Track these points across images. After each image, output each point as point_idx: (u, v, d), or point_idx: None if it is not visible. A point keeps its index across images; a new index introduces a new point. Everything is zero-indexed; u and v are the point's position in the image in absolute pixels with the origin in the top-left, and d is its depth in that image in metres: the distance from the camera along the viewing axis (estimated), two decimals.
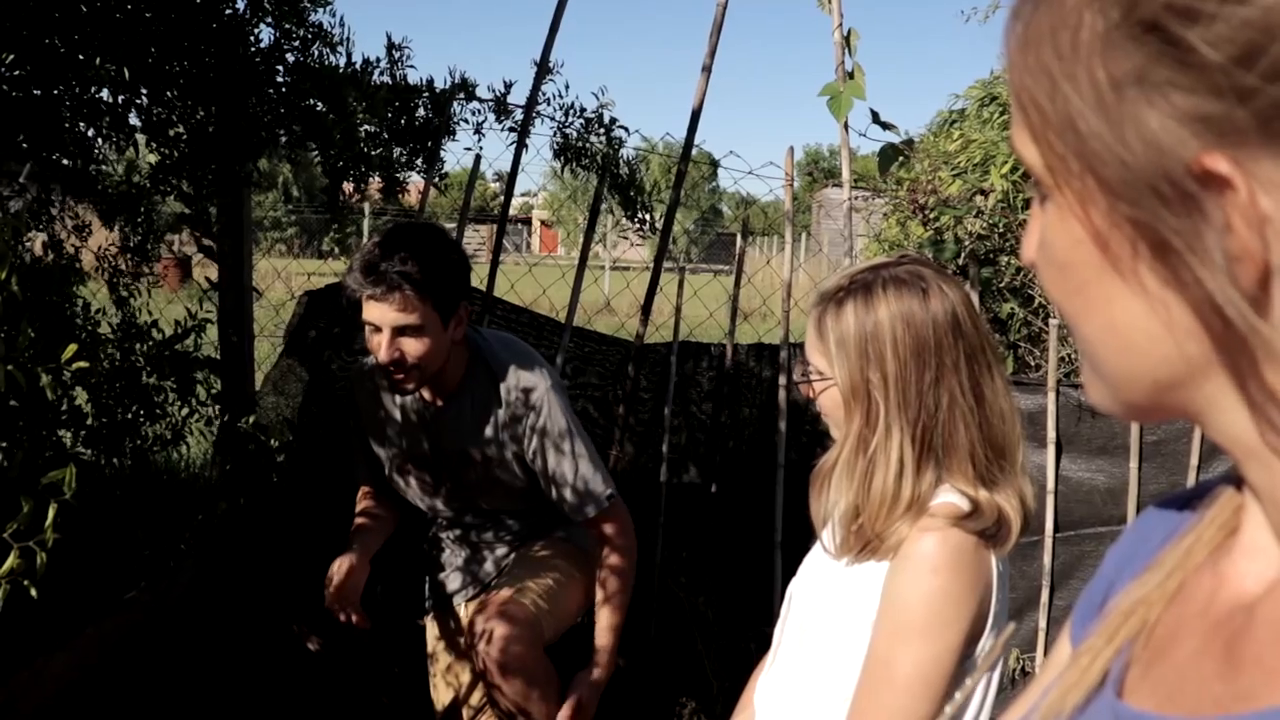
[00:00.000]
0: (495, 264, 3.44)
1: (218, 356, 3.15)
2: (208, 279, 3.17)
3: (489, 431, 2.25)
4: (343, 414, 2.61)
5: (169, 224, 3.04)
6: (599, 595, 2.30)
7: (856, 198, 3.17)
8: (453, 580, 2.49)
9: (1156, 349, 0.49)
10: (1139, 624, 0.59)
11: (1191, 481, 3.06)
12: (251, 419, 2.75)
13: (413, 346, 2.09)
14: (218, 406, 2.92)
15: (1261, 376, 0.46)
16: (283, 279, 3.97)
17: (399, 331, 2.07)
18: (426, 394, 2.27)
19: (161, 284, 3.72)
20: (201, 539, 2.96)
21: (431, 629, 2.57)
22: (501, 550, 2.45)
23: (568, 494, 2.24)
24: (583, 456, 2.24)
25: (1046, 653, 3.14)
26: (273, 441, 2.76)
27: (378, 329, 2.08)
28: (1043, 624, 3.14)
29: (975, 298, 2.75)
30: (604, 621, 2.28)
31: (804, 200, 16.47)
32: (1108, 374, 0.53)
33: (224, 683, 2.87)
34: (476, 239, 21.29)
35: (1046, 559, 3.10)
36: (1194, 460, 3.02)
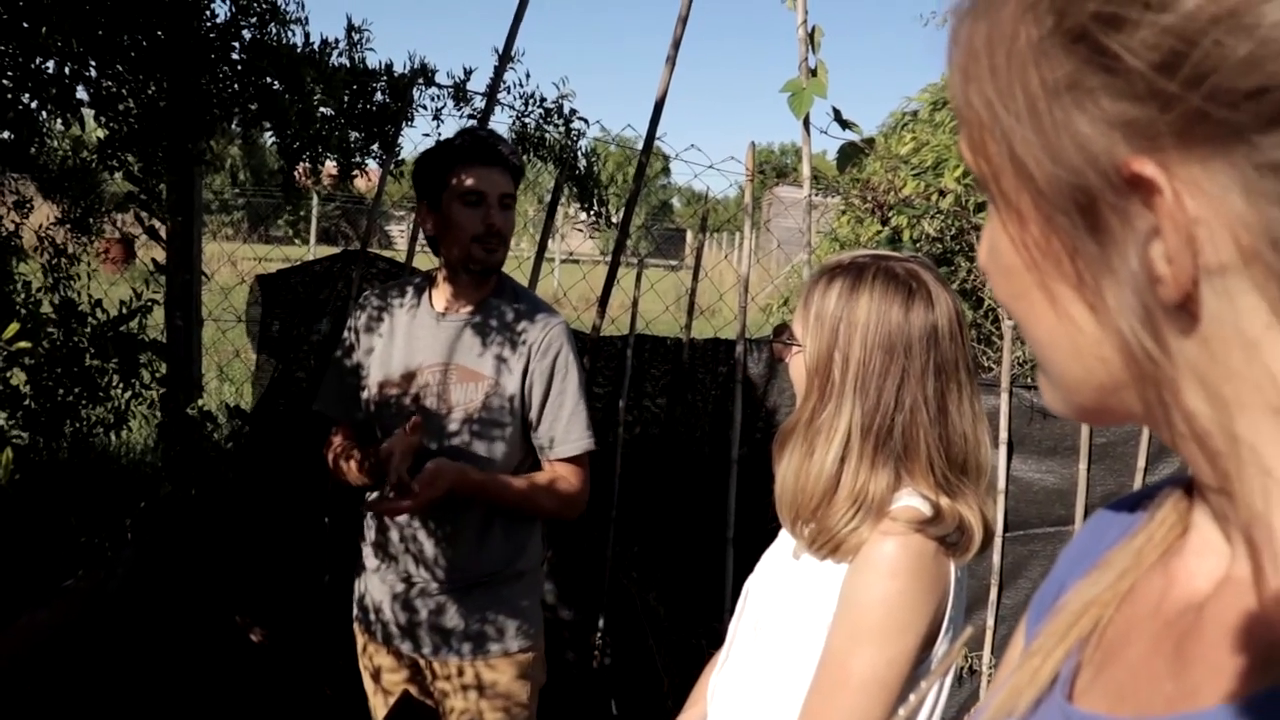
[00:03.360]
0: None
1: (163, 340, 3.07)
2: (154, 260, 3.09)
3: (503, 350, 2.23)
4: (334, 345, 2.58)
5: (116, 202, 2.95)
6: (528, 480, 2.25)
7: (815, 193, 3.17)
8: (383, 607, 2.32)
9: (1099, 351, 0.50)
10: (1090, 624, 0.59)
11: (1139, 483, 3.10)
12: (200, 403, 2.67)
13: (507, 219, 2.24)
14: (161, 390, 2.85)
15: (1171, 383, 0.48)
16: (231, 262, 3.88)
17: (502, 202, 2.21)
18: (453, 299, 2.27)
19: (104, 263, 3.61)
20: (143, 526, 2.89)
21: (361, 648, 2.42)
22: (434, 589, 2.26)
23: (558, 427, 2.24)
24: (580, 399, 2.28)
25: (994, 651, 3.17)
26: (221, 428, 2.68)
27: (478, 200, 2.19)
28: (991, 622, 3.17)
29: None
30: (517, 481, 2.22)
31: (756, 196, 16.52)
32: (1057, 377, 0.55)
33: (164, 674, 2.80)
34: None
35: (995, 558, 3.14)
36: (1141, 462, 3.07)
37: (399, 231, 24.36)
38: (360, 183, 3.49)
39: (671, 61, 3.14)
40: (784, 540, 1.54)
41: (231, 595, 3.04)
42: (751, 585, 1.57)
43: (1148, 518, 0.61)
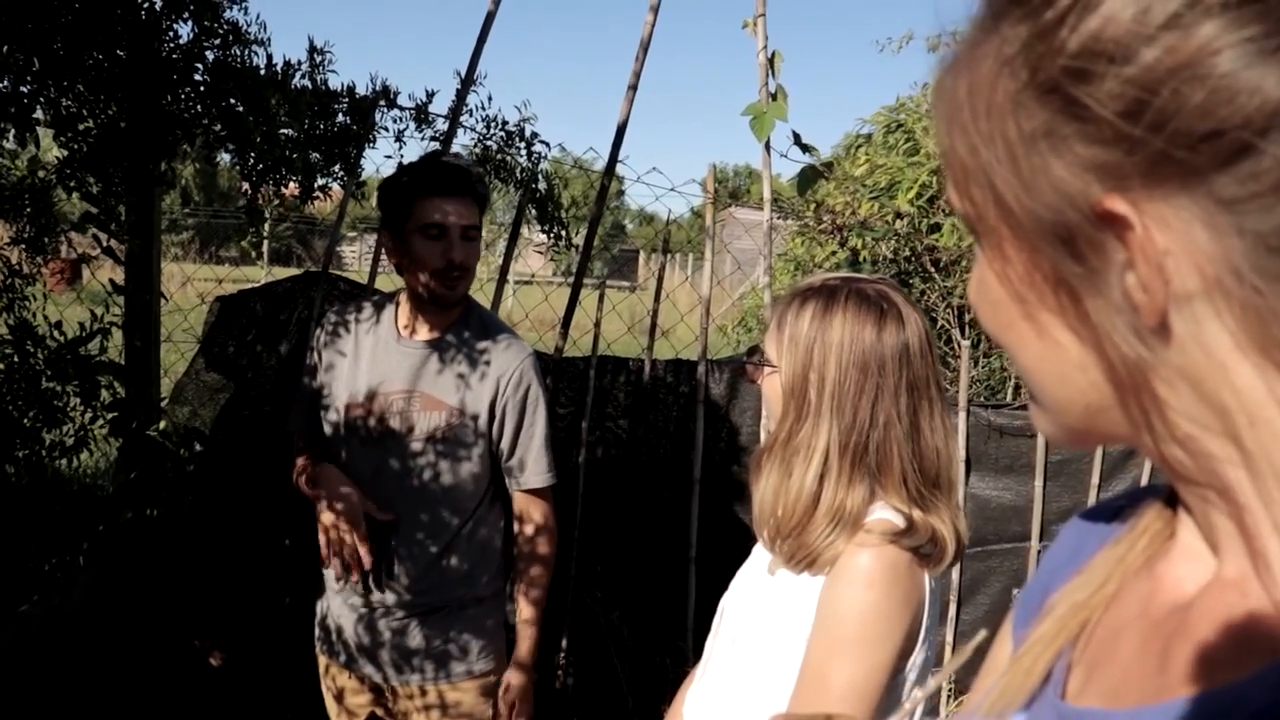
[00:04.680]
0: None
1: (121, 362, 3.04)
2: (111, 281, 3.06)
3: (468, 378, 2.23)
4: (297, 366, 2.61)
5: (72, 223, 2.92)
6: (521, 586, 2.30)
7: (774, 216, 3.22)
8: (345, 629, 2.31)
9: (1085, 376, 0.54)
10: (1078, 626, 0.63)
11: (1093, 499, 3.18)
12: (162, 425, 2.65)
13: (469, 251, 2.19)
14: (113, 415, 2.81)
15: (1155, 400, 0.51)
16: (187, 283, 3.84)
17: (465, 234, 2.17)
18: (418, 325, 2.26)
19: (55, 285, 3.57)
20: (100, 550, 2.85)
21: (324, 669, 2.42)
22: (398, 611, 2.27)
23: (528, 457, 2.27)
24: (546, 431, 2.30)
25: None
26: (182, 451, 2.66)
27: (440, 233, 2.15)
28: (950, 638, 3.21)
29: None
30: (526, 614, 2.30)
31: (703, 218, 16.68)
32: (1046, 402, 0.59)
33: (122, 699, 2.76)
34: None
35: (954, 574, 3.19)
36: (1095, 479, 3.15)
37: (351, 253, 24.19)
38: (314, 203, 3.48)
39: (633, 89, 3.18)
40: (758, 557, 1.57)
41: (190, 619, 3.00)
42: (727, 602, 1.60)
43: (1131, 525, 0.64)
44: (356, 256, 23.32)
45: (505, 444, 2.26)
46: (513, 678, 2.30)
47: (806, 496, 1.39)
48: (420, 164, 2.26)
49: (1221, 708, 0.49)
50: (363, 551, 2.15)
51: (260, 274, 14.28)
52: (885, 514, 1.38)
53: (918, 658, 1.42)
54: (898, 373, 1.39)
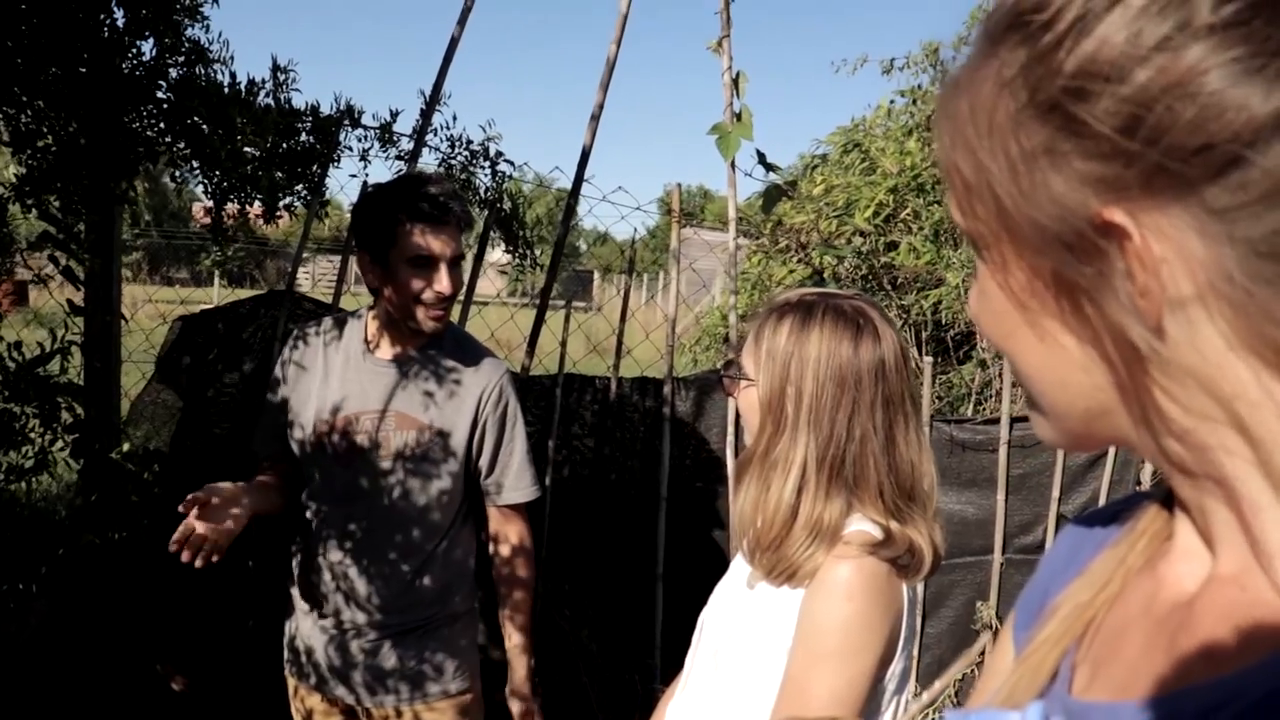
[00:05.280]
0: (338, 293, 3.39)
1: (80, 383, 2.99)
2: (69, 301, 3.01)
3: (444, 395, 2.20)
4: (260, 386, 2.56)
5: (30, 242, 2.87)
6: (507, 609, 2.30)
7: (739, 236, 3.25)
8: (315, 650, 2.28)
9: (1085, 380, 0.57)
10: (1082, 627, 0.66)
11: (1054, 513, 3.23)
12: (125, 447, 2.61)
13: (456, 279, 2.15)
14: (74, 436, 2.76)
15: (1154, 398, 0.54)
16: (151, 302, 3.80)
17: (452, 264, 2.12)
18: (391, 345, 2.23)
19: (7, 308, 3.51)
20: (59, 575, 2.80)
21: (293, 691, 2.38)
22: (370, 631, 2.24)
23: (508, 474, 2.27)
24: (524, 447, 2.30)
25: (919, 679, 3.25)
26: (145, 474, 2.62)
27: (428, 262, 2.10)
28: (915, 651, 3.24)
29: None
30: (516, 640, 2.31)
31: (663, 239, 16.72)
32: (1046, 407, 0.62)
33: None
34: (335, 267, 20.78)
35: (919, 587, 3.22)
36: (1055, 493, 3.20)
37: (304, 274, 23.96)
38: (267, 225, 3.45)
39: (596, 119, 3.21)
40: (736, 571, 1.58)
41: (152, 643, 2.96)
42: (707, 616, 1.61)
43: (1129, 528, 0.67)
44: (310, 277, 23.05)
45: (485, 460, 2.26)
46: (514, 707, 2.30)
47: (785, 509, 1.41)
48: (407, 188, 2.14)
49: (1226, 696, 0.51)
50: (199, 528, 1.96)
51: (213, 296, 14.10)
52: (863, 526, 1.40)
53: (897, 667, 1.44)
54: (873, 387, 1.42)
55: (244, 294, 3.47)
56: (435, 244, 2.09)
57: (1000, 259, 0.58)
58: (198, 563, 1.94)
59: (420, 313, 2.13)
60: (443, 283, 2.11)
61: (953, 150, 0.58)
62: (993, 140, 0.55)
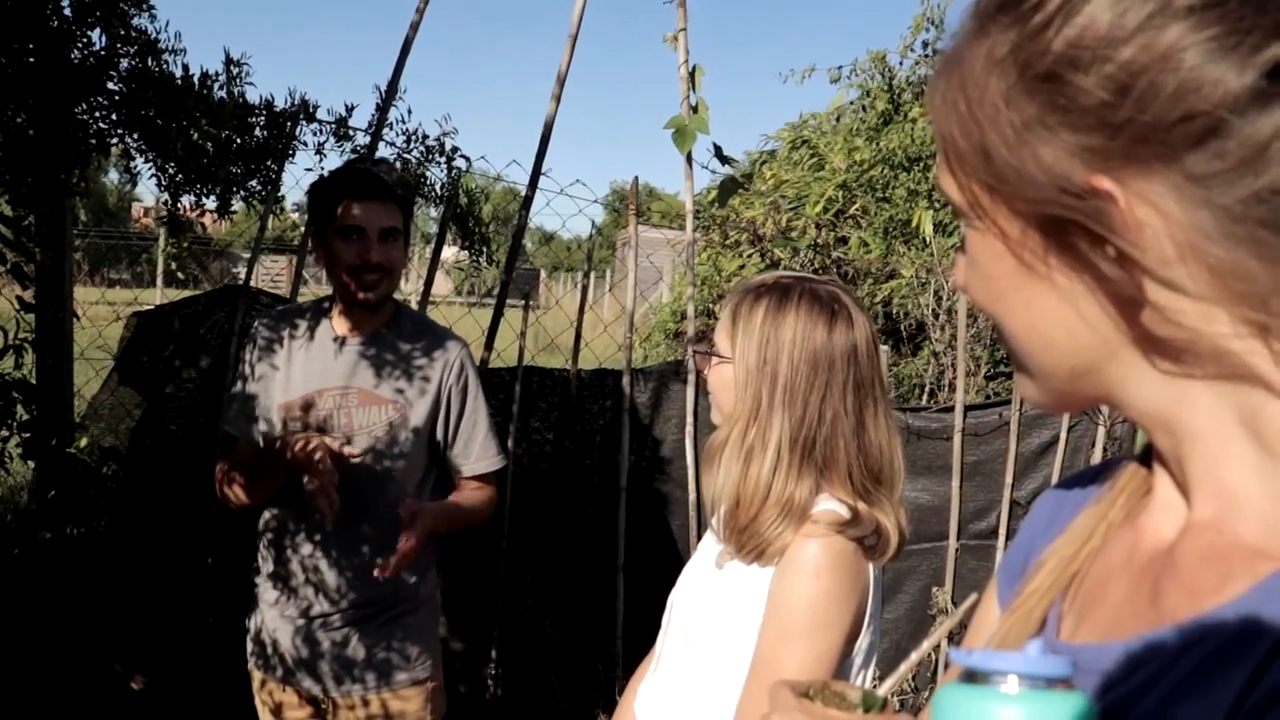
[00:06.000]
0: (295, 293, 3.39)
1: (32, 380, 2.94)
2: (19, 298, 2.96)
3: (406, 374, 2.25)
4: (218, 380, 2.60)
5: None
6: (466, 499, 2.33)
7: (697, 233, 3.28)
8: (281, 642, 2.27)
9: (1071, 340, 0.61)
10: (1068, 579, 0.69)
11: (1007, 499, 3.30)
12: (84, 443, 2.58)
13: (391, 252, 2.21)
14: (27, 435, 2.72)
15: (1142, 353, 0.59)
16: (105, 303, 3.74)
17: (383, 235, 2.19)
18: (349, 327, 2.26)
19: None
20: (13, 574, 2.75)
21: (259, 684, 2.35)
22: (336, 619, 2.24)
23: (474, 445, 2.32)
24: (488, 418, 2.35)
25: (877, 664, 3.29)
26: (104, 469, 2.59)
27: (359, 232, 2.17)
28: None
29: None
30: (465, 502, 2.32)
31: (609, 236, 16.69)
32: (1033, 368, 0.65)
33: None
34: (279, 268, 20.54)
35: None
36: (1009, 479, 3.28)
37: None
38: (214, 223, 3.42)
39: (556, 99, 3.23)
40: (705, 551, 1.61)
41: (110, 642, 2.92)
42: (676, 597, 1.63)
43: (1108, 487, 0.71)
44: (254, 277, 22.64)
45: (449, 433, 2.29)
46: (419, 504, 2.18)
47: (763, 488, 1.43)
48: (343, 168, 2.32)
49: (1209, 628, 0.54)
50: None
51: (155, 297, 13.83)
52: (830, 505, 1.43)
53: (863, 642, 1.47)
54: (845, 371, 1.45)
55: (188, 294, 3.44)
56: (363, 214, 2.18)
57: (992, 227, 0.61)
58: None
59: (352, 282, 2.19)
60: (372, 250, 2.17)
61: (946, 124, 0.61)
62: (985, 115, 0.58)
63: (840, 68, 7.45)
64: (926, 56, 6.66)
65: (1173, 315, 0.55)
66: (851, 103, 7.23)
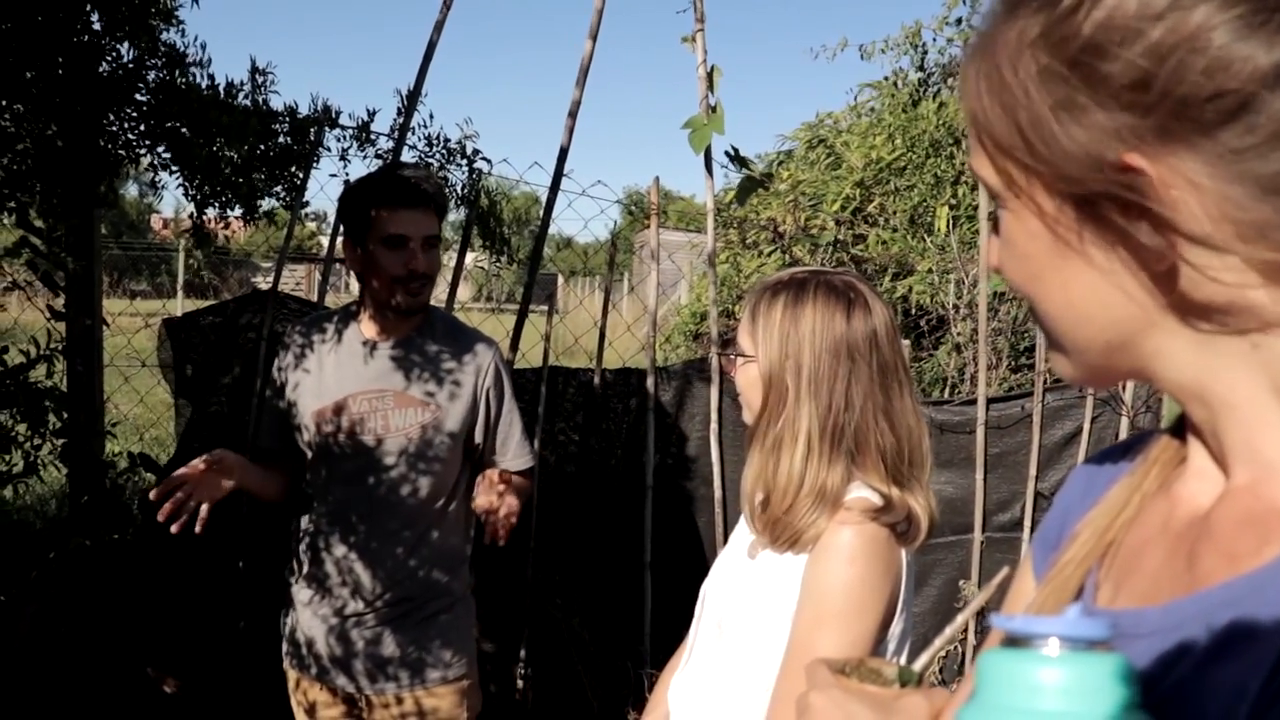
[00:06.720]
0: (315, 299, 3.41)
1: (63, 388, 2.98)
2: (49, 307, 3.01)
3: (442, 377, 2.27)
4: (249, 386, 2.68)
5: (7, 249, 2.86)
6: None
7: (716, 229, 3.29)
8: (316, 641, 2.30)
9: (1107, 313, 0.62)
10: (1103, 548, 0.71)
11: (1031, 491, 3.30)
12: (115, 449, 2.61)
13: (431, 260, 2.23)
14: (63, 441, 2.76)
15: (1178, 326, 0.60)
16: (135, 314, 3.79)
17: (425, 243, 2.21)
18: (379, 331, 2.28)
19: None
20: (48, 580, 2.79)
21: (294, 684, 2.39)
22: (370, 618, 2.27)
23: (510, 442, 2.36)
24: (519, 419, 2.39)
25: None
26: (135, 477, 2.62)
27: (403, 242, 2.18)
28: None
29: None
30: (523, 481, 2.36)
31: (627, 238, 16.73)
32: (1068, 345, 0.66)
33: None
34: (295, 277, 20.65)
35: None
36: (1033, 470, 3.28)
37: (266, 283, 23.70)
38: (235, 230, 3.45)
39: (573, 115, 3.25)
40: (737, 541, 1.62)
41: (143, 646, 2.95)
42: (708, 588, 1.64)
43: (1142, 458, 0.72)
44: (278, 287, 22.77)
45: (487, 434, 2.32)
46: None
47: (796, 477, 1.45)
48: (380, 175, 2.31)
49: (1249, 589, 0.55)
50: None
51: (176, 308, 13.95)
52: (863, 492, 1.45)
53: (896, 628, 1.49)
54: (868, 356, 1.46)
55: (211, 303, 3.47)
56: (407, 224, 2.19)
57: (1030, 205, 0.63)
58: (173, 528, 2.07)
59: (399, 292, 2.20)
60: (416, 260, 2.19)
61: (980, 107, 0.63)
62: (1018, 97, 0.59)
63: (873, 42, 7.37)
64: (961, 32, 6.64)
65: (1213, 274, 0.56)
66: (885, 78, 7.18)
